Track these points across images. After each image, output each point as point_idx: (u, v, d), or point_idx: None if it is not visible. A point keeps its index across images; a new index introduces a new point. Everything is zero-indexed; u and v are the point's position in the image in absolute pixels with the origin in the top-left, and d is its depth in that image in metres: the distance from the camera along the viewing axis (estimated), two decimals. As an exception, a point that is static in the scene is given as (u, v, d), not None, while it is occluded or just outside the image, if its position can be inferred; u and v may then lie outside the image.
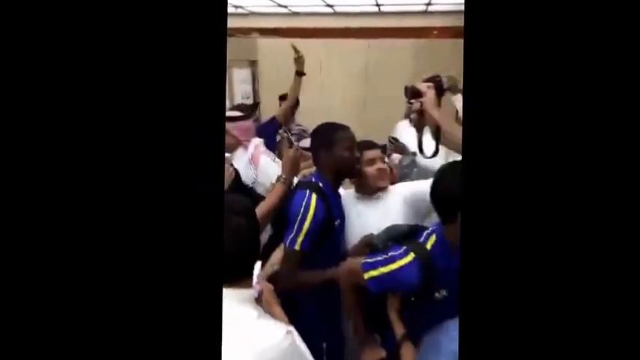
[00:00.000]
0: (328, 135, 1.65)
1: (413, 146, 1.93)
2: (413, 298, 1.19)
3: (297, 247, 1.53)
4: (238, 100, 4.84)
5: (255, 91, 5.49)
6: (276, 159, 2.44)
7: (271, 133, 2.88)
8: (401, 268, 1.23)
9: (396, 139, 2.60)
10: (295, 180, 1.88)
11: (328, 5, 4.99)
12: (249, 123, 2.59)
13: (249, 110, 2.78)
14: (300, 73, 2.76)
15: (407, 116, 3.08)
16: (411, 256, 1.22)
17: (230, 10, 4.02)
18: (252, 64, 5.49)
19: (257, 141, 2.54)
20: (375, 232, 1.51)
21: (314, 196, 1.55)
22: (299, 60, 2.74)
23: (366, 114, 5.06)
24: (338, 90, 5.15)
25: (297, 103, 2.98)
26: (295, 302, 1.47)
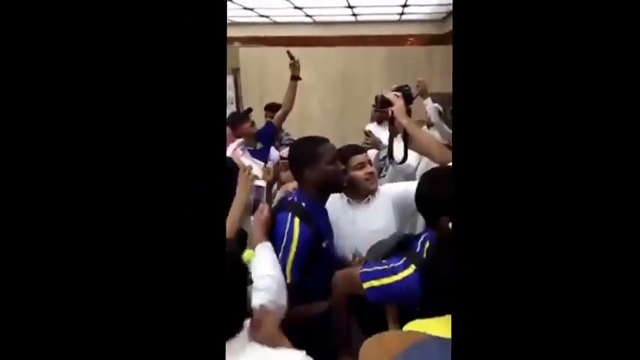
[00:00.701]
0: (311, 150, 1.47)
1: (385, 139, 1.93)
2: (418, 308, 1.13)
3: (288, 280, 1.34)
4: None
5: (237, 97, 5.46)
6: (255, 160, 2.38)
7: (268, 137, 2.84)
8: (403, 280, 1.16)
9: (370, 132, 2.60)
10: (278, 193, 1.72)
11: (308, 15, 4.99)
12: (227, 129, 2.55)
13: (240, 118, 2.75)
14: (295, 78, 2.72)
15: (373, 120, 3.24)
16: (412, 269, 1.17)
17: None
18: (235, 71, 5.46)
19: (234, 144, 2.49)
20: (371, 235, 1.44)
21: (296, 221, 1.38)
22: (294, 65, 2.69)
23: (343, 119, 5.06)
24: (316, 96, 5.14)
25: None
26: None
